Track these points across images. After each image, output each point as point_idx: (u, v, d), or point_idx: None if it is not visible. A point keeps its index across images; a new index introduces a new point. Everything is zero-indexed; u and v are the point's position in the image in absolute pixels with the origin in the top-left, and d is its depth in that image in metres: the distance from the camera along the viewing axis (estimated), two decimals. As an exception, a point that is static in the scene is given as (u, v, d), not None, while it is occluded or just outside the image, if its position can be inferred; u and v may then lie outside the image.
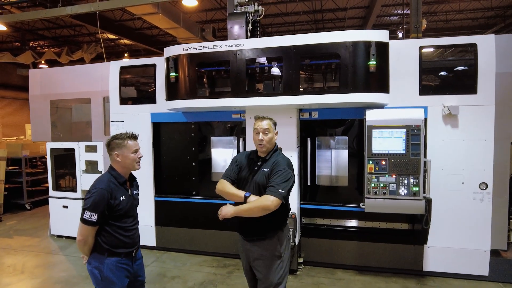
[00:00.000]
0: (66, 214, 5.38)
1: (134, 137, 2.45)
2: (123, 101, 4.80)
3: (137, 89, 5.00)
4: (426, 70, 3.85)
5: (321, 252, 4.20)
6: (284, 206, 2.40)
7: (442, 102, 3.72)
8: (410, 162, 3.45)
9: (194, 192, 4.73)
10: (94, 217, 2.23)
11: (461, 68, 3.84)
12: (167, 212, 4.78)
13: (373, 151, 3.54)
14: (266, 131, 2.45)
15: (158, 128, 4.79)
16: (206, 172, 4.69)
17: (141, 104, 4.75)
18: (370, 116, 3.55)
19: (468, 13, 14.41)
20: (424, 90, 3.79)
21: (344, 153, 4.20)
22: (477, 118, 3.66)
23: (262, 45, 3.63)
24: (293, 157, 4.00)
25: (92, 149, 5.15)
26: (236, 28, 4.39)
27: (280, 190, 2.24)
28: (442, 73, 3.99)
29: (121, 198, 2.36)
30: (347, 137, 4.16)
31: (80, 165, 5.22)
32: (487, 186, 3.68)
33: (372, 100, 3.46)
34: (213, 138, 4.67)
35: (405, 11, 10.12)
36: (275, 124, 2.54)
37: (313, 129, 4.25)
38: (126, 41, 16.47)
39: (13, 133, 12.75)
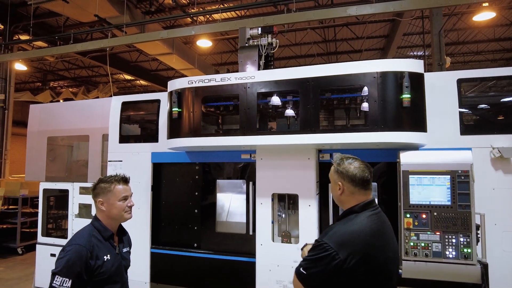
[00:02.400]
0: (53, 263, 4.77)
1: (124, 180, 1.95)
2: (123, 139, 4.38)
3: (139, 127, 4.60)
4: (467, 106, 3.30)
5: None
6: None
7: (490, 143, 3.13)
8: (458, 216, 2.79)
9: (195, 245, 4.09)
10: (68, 284, 1.70)
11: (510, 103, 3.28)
12: (164, 266, 4.12)
13: (410, 202, 2.90)
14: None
15: (159, 169, 4.30)
16: (210, 221, 4.08)
17: (141, 142, 4.32)
18: (406, 159, 2.96)
19: (487, 54, 14.11)
20: (466, 129, 3.22)
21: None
22: (536, 163, 3.03)
23: (276, 78, 3.20)
24: (312, 206, 3.39)
25: (87, 191, 4.66)
26: (247, 62, 4.03)
27: (301, 270, 1.68)
28: (487, 109, 3.43)
29: (104, 257, 1.83)
30: (375, 183, 3.54)
31: (73, 208, 4.71)
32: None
33: (407, 140, 2.90)
34: (219, 181, 4.12)
35: (426, 43, 9.76)
36: (337, 172, 1.83)
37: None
38: (142, 82, 16.77)
39: (23, 171, 12.56)
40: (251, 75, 3.27)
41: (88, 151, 4.75)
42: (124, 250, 2.01)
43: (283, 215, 3.65)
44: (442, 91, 3.28)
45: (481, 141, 3.16)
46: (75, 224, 4.71)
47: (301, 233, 3.40)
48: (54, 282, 1.69)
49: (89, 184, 4.63)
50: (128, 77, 15.97)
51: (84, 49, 6.29)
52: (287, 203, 3.62)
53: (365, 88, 3.02)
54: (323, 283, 1.64)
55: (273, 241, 3.51)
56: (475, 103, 3.44)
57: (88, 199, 4.64)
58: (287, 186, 3.49)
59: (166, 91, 3.81)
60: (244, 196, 3.93)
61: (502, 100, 3.40)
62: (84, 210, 4.77)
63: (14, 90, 10.39)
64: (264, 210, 3.53)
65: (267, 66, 4.12)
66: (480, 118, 3.42)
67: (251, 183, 3.77)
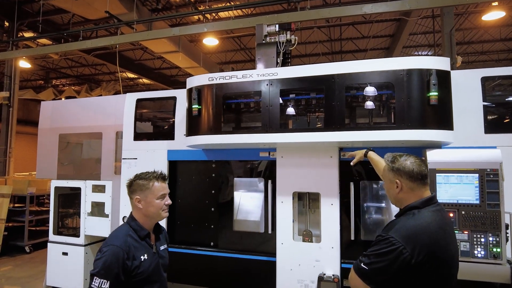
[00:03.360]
0: (65, 262, 4.73)
1: (163, 178, 1.91)
2: (138, 136, 4.33)
3: (154, 124, 4.54)
4: (491, 105, 3.27)
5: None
6: None
7: (516, 142, 3.10)
8: (487, 215, 2.75)
9: (212, 243, 4.05)
10: (106, 285, 1.66)
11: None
12: (180, 265, 4.07)
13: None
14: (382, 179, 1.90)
15: (175, 167, 4.25)
16: (227, 219, 4.04)
17: (157, 140, 4.26)
18: (433, 157, 2.92)
19: (492, 54, 14.10)
20: (491, 127, 3.19)
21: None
22: None
23: (299, 74, 3.15)
24: (334, 205, 3.35)
25: (100, 189, 4.61)
26: (265, 59, 3.99)
27: (362, 265, 1.62)
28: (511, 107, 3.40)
29: (141, 258, 1.79)
30: (396, 182, 3.50)
31: (85, 207, 4.66)
32: None
33: (434, 138, 2.86)
34: (236, 180, 4.08)
35: (436, 41, 9.72)
36: (392, 169, 1.80)
37: (355, 173, 3.62)
38: (145, 81, 16.70)
39: (28, 169, 12.50)
40: (273, 72, 3.23)
41: (99, 148, 4.71)
42: (162, 247, 1.97)
43: (303, 214, 3.61)
44: (466, 89, 3.24)
45: (506, 139, 3.13)
46: (88, 223, 4.66)
47: (323, 232, 3.37)
48: (93, 283, 1.66)
49: (102, 182, 4.60)
50: (131, 75, 15.90)
51: (93, 46, 6.23)
52: (308, 202, 3.58)
53: (370, 89, 2.98)
54: (387, 280, 1.58)
55: (294, 240, 3.47)
56: (499, 101, 3.40)
57: (101, 197, 4.59)
58: (309, 185, 3.45)
59: (169, 89, 3.76)
60: (262, 194, 3.89)
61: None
62: (96, 208, 4.72)
63: (18, 88, 10.33)
64: (285, 208, 3.49)
65: (285, 64, 4.08)
66: (505, 116, 3.39)
67: (269, 181, 3.73)
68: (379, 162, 2.43)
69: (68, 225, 5.13)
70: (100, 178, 4.62)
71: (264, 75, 3.25)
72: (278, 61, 4.03)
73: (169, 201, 1.91)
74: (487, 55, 14.10)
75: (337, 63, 3.05)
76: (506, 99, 3.46)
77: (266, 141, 3.23)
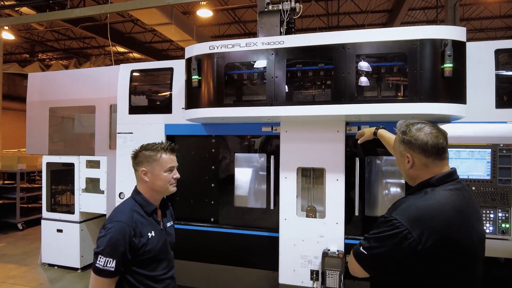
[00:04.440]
0: (60, 239, 4.63)
1: (171, 149, 1.76)
2: (133, 110, 4.13)
3: (150, 97, 4.34)
4: (504, 79, 3.16)
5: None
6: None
7: (527, 117, 3.02)
8: (498, 191, 2.70)
9: (212, 219, 3.97)
10: (112, 264, 1.53)
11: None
12: (179, 242, 3.97)
13: (448, 176, 2.79)
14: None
15: (173, 141, 4.08)
16: (228, 195, 3.95)
17: (153, 113, 4.08)
18: (444, 131, 2.82)
19: (489, 31, 13.95)
20: (502, 102, 3.10)
21: (400, 177, 3.46)
22: None
23: (308, 43, 2.97)
24: (340, 181, 3.27)
25: (94, 164, 4.45)
26: (268, 28, 3.78)
27: (361, 249, 1.47)
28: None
29: (149, 234, 1.66)
30: (403, 158, 3.42)
31: (79, 183, 4.51)
32: None
33: (447, 111, 2.76)
34: (237, 155, 3.95)
35: (431, 19, 9.50)
36: (403, 141, 1.54)
37: (360, 147, 3.52)
38: (136, 55, 16.16)
39: (15, 146, 12.15)
40: (279, 40, 3.04)
41: (93, 122, 4.50)
42: (168, 224, 1.86)
43: (306, 190, 3.53)
44: (478, 62, 3.12)
45: (517, 114, 3.05)
46: (82, 199, 4.52)
47: (328, 208, 3.30)
48: (98, 262, 1.53)
49: (96, 158, 4.43)
50: (121, 49, 15.33)
51: (82, 15, 5.86)
52: (312, 177, 3.49)
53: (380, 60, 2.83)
54: (388, 266, 1.40)
55: (297, 215, 3.40)
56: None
57: (95, 173, 4.44)
58: (314, 160, 3.34)
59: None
60: (265, 170, 3.79)
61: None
62: (91, 184, 4.58)
63: (2, 61, 9.83)
64: (289, 184, 3.40)
65: (288, 33, 3.88)
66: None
67: (272, 156, 3.62)
68: (391, 139, 2.22)
69: (61, 202, 4.99)
70: (94, 154, 4.45)
71: (270, 44, 3.06)
72: (282, 31, 3.84)
73: (177, 175, 1.78)
74: (485, 33, 13.93)
75: (349, 31, 2.88)
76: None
77: (271, 115, 3.09)
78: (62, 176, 4.87)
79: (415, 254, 1.33)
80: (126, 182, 4.07)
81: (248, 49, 3.13)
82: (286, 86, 3.07)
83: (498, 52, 3.11)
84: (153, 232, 1.67)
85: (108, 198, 4.34)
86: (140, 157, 1.70)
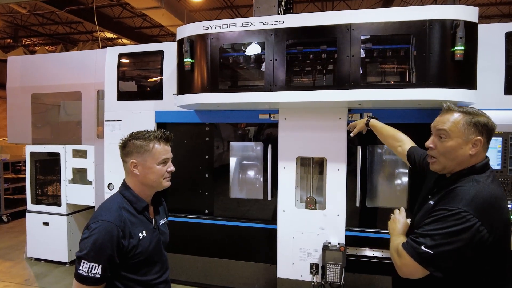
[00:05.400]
0: (47, 233, 4.41)
1: (165, 138, 1.55)
2: (122, 96, 3.89)
3: (140, 82, 4.09)
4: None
5: (368, 291, 3.30)
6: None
7: (537, 104, 2.88)
8: (508, 181, 2.58)
9: (206, 211, 3.80)
10: (97, 271, 1.33)
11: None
12: (172, 235, 3.82)
13: (457, 166, 2.65)
14: (441, 134, 1.41)
15: (164, 129, 3.87)
16: (223, 186, 3.77)
17: (143, 100, 3.84)
18: (454, 119, 2.67)
19: (483, 19, 13.84)
20: (511, 89, 2.95)
21: (404, 167, 3.32)
22: None
23: (309, 23, 2.76)
24: (341, 170, 3.12)
25: (81, 154, 4.22)
26: (266, 8, 3.54)
27: (424, 248, 1.27)
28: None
29: (139, 235, 1.46)
30: (407, 147, 3.27)
31: (66, 174, 4.27)
32: None
33: (457, 97, 2.59)
34: (232, 144, 3.76)
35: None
36: (476, 125, 1.36)
37: (362, 136, 3.36)
38: (125, 41, 15.64)
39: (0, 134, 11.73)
40: (279, 20, 2.82)
41: (79, 110, 4.24)
42: (161, 222, 1.67)
43: (305, 180, 3.37)
44: (487, 45, 2.95)
45: (527, 101, 2.91)
46: (69, 191, 4.29)
47: (328, 199, 3.15)
48: (81, 268, 1.33)
49: (83, 147, 4.20)
50: (109, 35, 14.83)
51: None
52: (312, 167, 3.33)
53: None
54: (457, 264, 1.26)
55: (296, 207, 3.25)
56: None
57: (82, 163, 4.21)
58: (314, 149, 3.17)
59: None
60: (262, 160, 3.62)
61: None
62: (78, 175, 4.35)
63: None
64: (288, 174, 3.23)
65: (287, 12, 3.66)
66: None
67: (270, 145, 3.44)
68: (384, 128, 2.27)
69: (47, 193, 4.76)
70: (81, 142, 4.20)
71: (268, 24, 2.84)
72: (279, 12, 3.61)
73: (172, 168, 1.58)
74: (480, 21, 13.78)
75: (354, 10, 2.67)
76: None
77: (269, 101, 2.89)
78: (48, 167, 4.62)
79: (484, 249, 1.25)
80: (115, 173, 3.85)
81: (244, 29, 2.91)
82: (286, 70, 2.86)
83: (509, 36, 2.94)
84: (144, 232, 1.47)
85: (96, 190, 4.12)
86: (129, 146, 1.49)
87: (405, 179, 3.34)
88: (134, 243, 1.41)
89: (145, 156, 1.48)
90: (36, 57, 4.68)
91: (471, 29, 2.60)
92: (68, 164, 4.26)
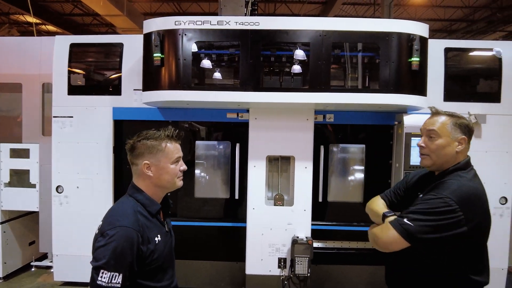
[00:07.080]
0: (-25, 243, 3.82)
1: (176, 137, 1.48)
2: (74, 90, 3.55)
3: (94, 76, 3.78)
4: (451, 75, 3.49)
5: (330, 279, 3.55)
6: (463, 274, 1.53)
7: (468, 110, 3.40)
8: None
9: (169, 212, 3.67)
10: (118, 280, 1.23)
11: (485, 74, 3.58)
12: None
13: (411, 163, 3.00)
14: (431, 134, 1.59)
15: (121, 127, 3.64)
16: (187, 186, 3.68)
17: (99, 95, 3.56)
18: (409, 121, 3.02)
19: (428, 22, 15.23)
20: (449, 96, 3.43)
21: (360, 164, 3.62)
22: (500, 129, 3.41)
23: (285, 27, 2.86)
24: (308, 168, 3.29)
25: (21, 154, 3.74)
26: (232, 7, 3.56)
27: (406, 221, 1.44)
28: (465, 78, 3.69)
29: (156, 239, 1.40)
30: (363, 146, 3.58)
31: (1, 176, 3.75)
32: (506, 200, 3.45)
33: (413, 102, 2.94)
34: (198, 143, 3.70)
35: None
36: (460, 126, 1.56)
37: (324, 135, 3.58)
38: (50, 28, 14.12)
39: None
40: (255, 21, 2.86)
41: (19, 104, 3.77)
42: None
43: (273, 178, 3.48)
44: (430, 58, 3.37)
45: (460, 108, 3.36)
46: (5, 196, 3.78)
47: (296, 195, 3.30)
48: (100, 279, 1.22)
49: (24, 146, 3.75)
50: (31, 19, 13.22)
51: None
52: (280, 165, 3.45)
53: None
54: (436, 239, 1.42)
55: (266, 204, 3.34)
56: (457, 72, 3.64)
57: (23, 163, 3.74)
58: (283, 148, 3.30)
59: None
60: (229, 159, 3.62)
61: (478, 70, 3.67)
62: (16, 177, 3.85)
63: None
64: (258, 173, 3.30)
65: (252, 13, 3.74)
66: (460, 86, 3.65)
67: (238, 144, 3.47)
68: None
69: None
70: (22, 141, 3.73)
71: (244, 24, 2.87)
72: (246, 12, 3.66)
73: (184, 166, 1.53)
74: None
75: (329, 18, 2.87)
76: (462, 71, 3.71)
77: (244, 100, 2.94)
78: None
79: (462, 235, 1.41)
80: (65, 174, 3.51)
81: (221, 28, 2.89)
82: (260, 71, 2.93)
83: (447, 51, 3.41)
84: (159, 236, 1.41)
85: (41, 193, 3.70)
86: (139, 148, 1.41)
87: (360, 175, 3.64)
88: (152, 248, 1.35)
89: (158, 156, 1.42)
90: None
91: (424, 43, 2.96)
92: (3, 165, 3.75)
